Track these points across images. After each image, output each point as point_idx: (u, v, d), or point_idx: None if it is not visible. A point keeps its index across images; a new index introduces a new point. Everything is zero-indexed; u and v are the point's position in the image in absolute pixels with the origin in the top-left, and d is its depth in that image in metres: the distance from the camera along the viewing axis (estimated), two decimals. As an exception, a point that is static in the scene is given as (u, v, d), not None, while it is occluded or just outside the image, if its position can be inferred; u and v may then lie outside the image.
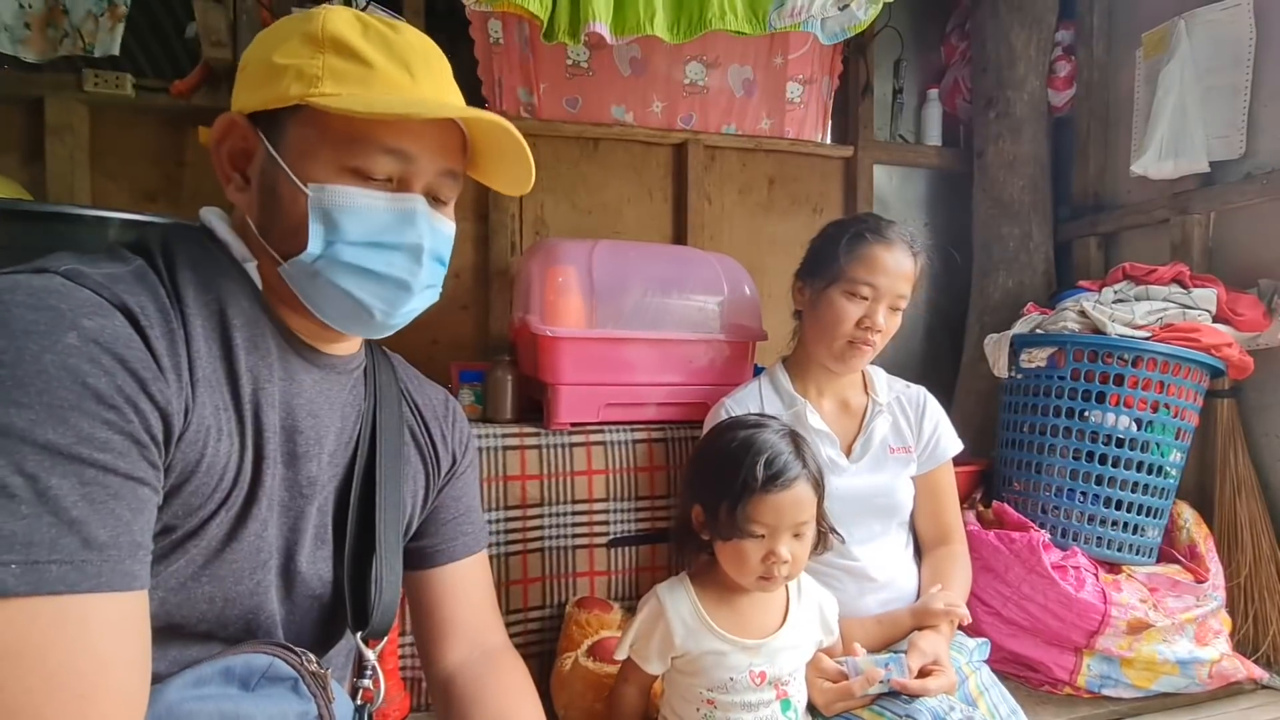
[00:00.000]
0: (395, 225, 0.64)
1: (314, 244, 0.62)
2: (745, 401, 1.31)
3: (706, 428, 1.33)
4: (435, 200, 0.68)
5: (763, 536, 0.94)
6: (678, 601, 0.99)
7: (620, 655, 1.03)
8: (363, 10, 0.66)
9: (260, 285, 0.66)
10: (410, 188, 0.65)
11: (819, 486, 0.98)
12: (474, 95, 1.96)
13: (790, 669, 0.98)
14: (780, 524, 0.93)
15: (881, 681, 1.00)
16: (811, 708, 1.04)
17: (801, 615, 1.02)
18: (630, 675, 1.05)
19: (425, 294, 0.69)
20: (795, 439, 1.00)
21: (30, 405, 0.47)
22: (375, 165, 0.62)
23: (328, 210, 0.61)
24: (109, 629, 0.48)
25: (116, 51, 1.70)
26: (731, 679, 0.95)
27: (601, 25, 1.46)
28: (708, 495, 0.99)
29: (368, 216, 0.62)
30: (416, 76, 0.64)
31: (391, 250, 0.64)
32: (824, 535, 1.02)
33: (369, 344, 0.80)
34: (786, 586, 1.03)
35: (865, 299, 1.20)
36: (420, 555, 0.84)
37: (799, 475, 0.95)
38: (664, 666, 1.00)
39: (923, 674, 1.02)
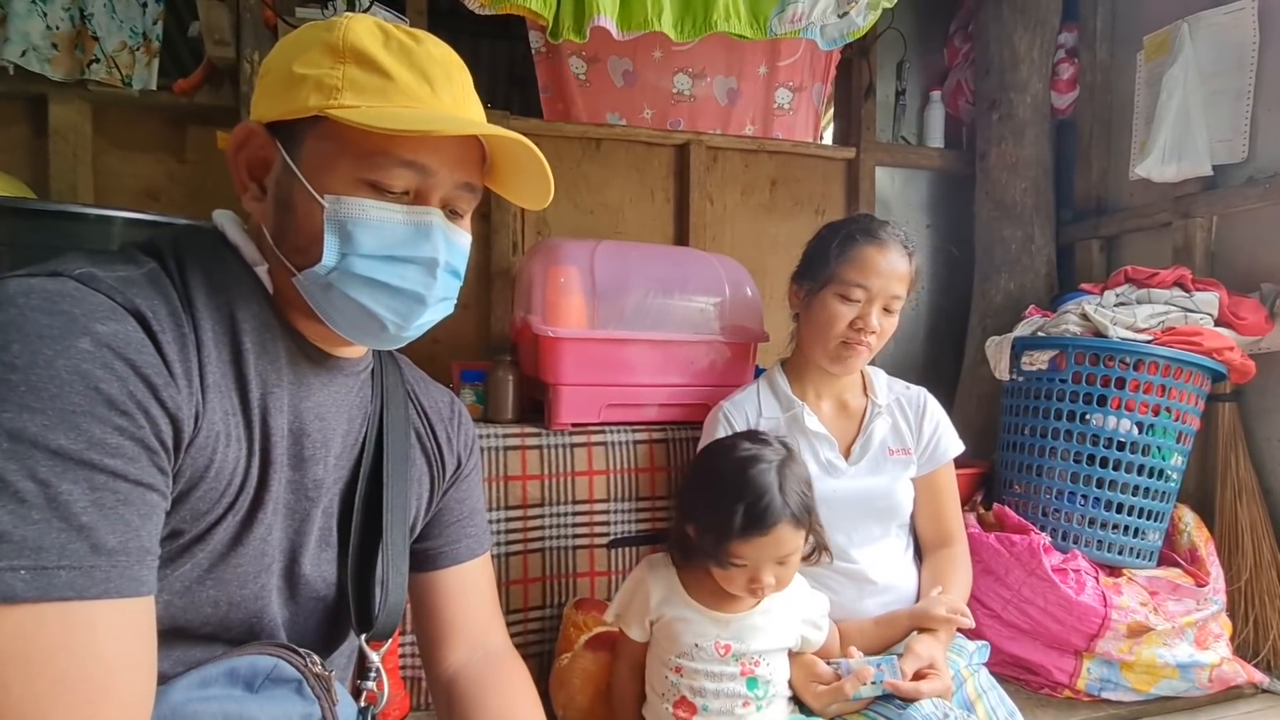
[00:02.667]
0: (411, 239, 0.63)
1: (329, 256, 0.61)
2: (743, 405, 1.30)
3: (705, 432, 1.33)
4: (452, 213, 0.67)
5: (745, 566, 0.97)
6: (658, 571, 1.06)
7: (609, 617, 1.09)
8: (365, 12, 0.65)
9: (271, 290, 0.65)
10: (427, 201, 0.64)
11: (803, 521, 0.98)
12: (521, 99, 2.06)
13: (760, 649, 1.00)
14: (760, 559, 0.96)
15: (873, 683, 0.99)
16: (807, 710, 1.05)
17: (777, 601, 1.03)
18: (622, 651, 1.09)
19: (439, 307, 0.68)
20: (783, 472, 0.99)
21: (43, 410, 0.47)
22: (393, 179, 0.62)
23: (343, 222, 0.61)
24: (115, 634, 0.48)
25: (154, 86, 1.76)
26: (697, 645, 0.99)
27: (607, 19, 1.46)
28: (695, 518, 1.02)
29: (383, 230, 0.62)
30: (437, 89, 0.63)
31: (406, 264, 0.63)
32: (818, 550, 1.04)
33: None
34: None
35: (857, 301, 1.20)
36: (424, 557, 0.84)
37: (778, 520, 0.95)
38: (644, 633, 1.05)
39: (917, 677, 1.02)
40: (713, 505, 0.97)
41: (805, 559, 1.03)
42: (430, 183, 0.64)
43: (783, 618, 1.03)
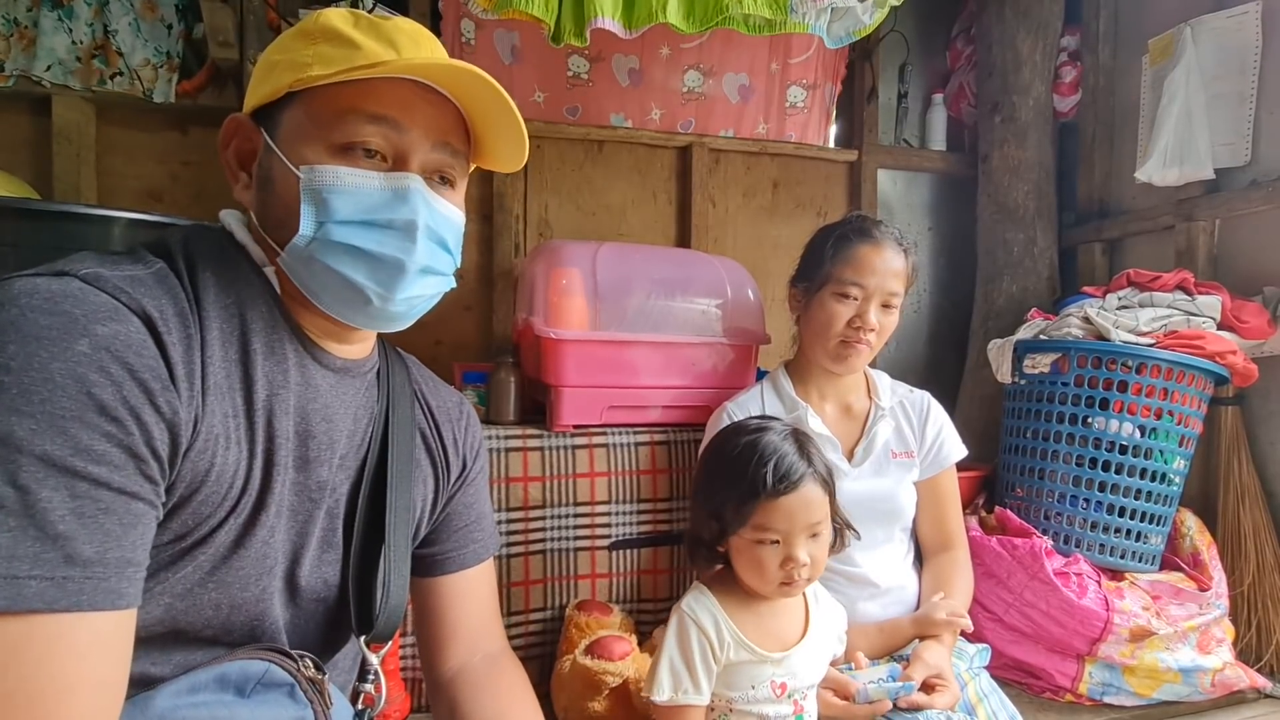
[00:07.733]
0: (388, 203, 0.63)
1: (305, 226, 0.61)
2: (747, 405, 1.30)
3: (708, 431, 1.33)
4: (442, 181, 0.68)
5: (777, 543, 0.91)
6: (704, 615, 0.94)
7: (661, 697, 0.91)
8: (370, 12, 0.66)
9: (279, 289, 0.66)
10: (405, 166, 0.64)
11: (828, 485, 0.95)
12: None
13: (808, 682, 0.96)
14: (793, 527, 0.91)
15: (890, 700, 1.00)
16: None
17: (820, 625, 0.99)
18: None
19: (425, 280, 0.66)
20: (799, 439, 0.98)
21: (32, 414, 0.46)
22: (364, 135, 0.62)
23: (318, 190, 0.61)
24: (78, 651, 0.47)
25: (173, 99, 1.78)
26: (753, 687, 0.93)
27: (608, 20, 1.42)
28: (717, 504, 0.96)
29: (358, 195, 0.62)
30: (402, 52, 0.64)
31: (383, 229, 0.63)
32: (839, 533, 0.99)
33: (383, 345, 0.79)
34: (805, 595, 1.00)
35: (854, 299, 1.21)
36: (431, 562, 0.84)
37: (805, 475, 0.92)
38: (710, 686, 0.92)
39: (926, 687, 1.01)
40: (736, 478, 0.93)
41: (831, 549, 0.97)
42: (405, 141, 0.64)
43: (823, 643, 0.99)
